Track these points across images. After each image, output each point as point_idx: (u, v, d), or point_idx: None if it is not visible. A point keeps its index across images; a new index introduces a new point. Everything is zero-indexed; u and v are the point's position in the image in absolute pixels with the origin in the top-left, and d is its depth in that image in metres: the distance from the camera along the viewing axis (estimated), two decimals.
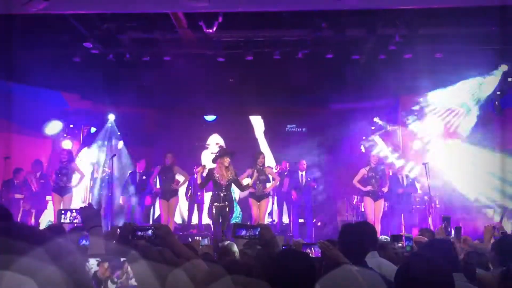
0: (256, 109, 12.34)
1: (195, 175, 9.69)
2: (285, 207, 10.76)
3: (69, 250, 0.79)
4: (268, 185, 8.83)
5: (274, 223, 10.79)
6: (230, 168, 7.70)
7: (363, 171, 9.02)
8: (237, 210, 11.27)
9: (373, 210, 8.90)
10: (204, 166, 7.95)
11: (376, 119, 11.23)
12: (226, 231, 7.39)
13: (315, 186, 10.22)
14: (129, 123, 11.53)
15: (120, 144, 11.47)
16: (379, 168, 9.05)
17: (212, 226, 7.84)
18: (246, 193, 9.60)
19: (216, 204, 7.67)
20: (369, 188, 8.96)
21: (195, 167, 9.48)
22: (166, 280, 1.96)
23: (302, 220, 10.45)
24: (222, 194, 7.67)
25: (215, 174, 7.72)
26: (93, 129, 11.34)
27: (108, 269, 3.36)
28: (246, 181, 8.63)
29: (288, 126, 12.45)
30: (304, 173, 10.20)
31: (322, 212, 10.97)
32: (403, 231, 8.85)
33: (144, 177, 9.88)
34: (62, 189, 8.68)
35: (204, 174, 7.89)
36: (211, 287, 1.96)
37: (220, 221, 7.59)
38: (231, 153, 8.00)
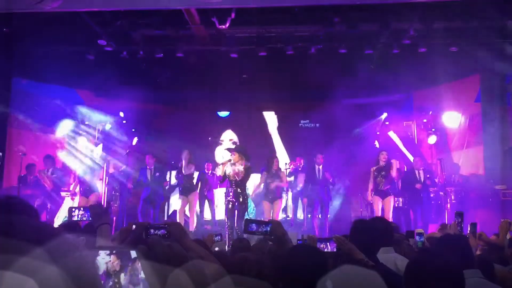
0: (269, 104, 12.34)
1: (206, 171, 9.62)
2: (299, 203, 10.61)
3: (75, 246, 0.80)
4: (276, 182, 9.06)
5: (288, 219, 10.77)
6: (237, 164, 7.67)
7: (372, 170, 9.19)
8: (251, 205, 10.85)
9: (382, 208, 9.01)
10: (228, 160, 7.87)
11: (383, 116, 11.19)
12: (237, 228, 7.47)
13: (331, 180, 10.04)
14: (143, 120, 11.61)
15: (135, 140, 11.54)
16: (386, 165, 9.14)
17: (226, 222, 7.80)
18: (260, 192, 9.81)
19: (228, 199, 7.74)
20: (376, 185, 9.11)
21: (206, 163, 9.48)
22: (167, 281, 1.98)
23: (320, 216, 10.34)
24: (232, 190, 7.70)
25: (226, 171, 7.79)
26: (108, 126, 11.32)
27: (118, 262, 3.44)
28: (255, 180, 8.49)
29: (302, 121, 12.44)
30: (321, 167, 10.06)
31: (336, 208, 10.88)
32: (419, 227, 8.75)
33: (157, 174, 9.84)
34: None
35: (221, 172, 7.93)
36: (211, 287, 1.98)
37: (235, 218, 7.63)
38: (235, 149, 8.00)
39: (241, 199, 7.61)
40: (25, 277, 0.75)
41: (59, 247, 0.78)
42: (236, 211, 7.58)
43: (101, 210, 2.77)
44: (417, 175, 9.56)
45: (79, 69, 9.70)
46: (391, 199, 9.11)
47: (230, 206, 7.63)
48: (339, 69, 9.99)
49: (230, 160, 7.62)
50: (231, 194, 7.67)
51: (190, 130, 11.70)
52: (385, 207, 9.03)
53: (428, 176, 9.52)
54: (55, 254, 0.78)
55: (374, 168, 9.16)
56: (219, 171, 7.86)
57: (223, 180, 7.83)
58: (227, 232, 7.44)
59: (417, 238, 4.00)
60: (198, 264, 2.14)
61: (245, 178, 7.67)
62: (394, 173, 9.17)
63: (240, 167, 7.57)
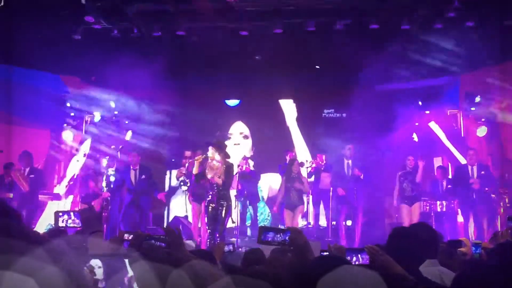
0: (287, 91, 12.26)
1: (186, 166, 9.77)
2: (322, 208, 10.63)
3: (62, 253, 0.82)
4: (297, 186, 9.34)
5: (310, 226, 10.86)
6: (214, 162, 7.82)
7: (397, 176, 9.51)
8: (265, 211, 11.42)
9: (409, 217, 9.22)
10: (204, 156, 8.01)
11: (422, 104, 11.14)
12: (221, 235, 7.72)
13: (361, 176, 10.02)
14: (138, 110, 11.64)
15: (129, 135, 11.63)
16: (413, 171, 9.37)
17: (207, 228, 8.04)
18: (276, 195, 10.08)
19: (209, 201, 7.90)
20: (402, 191, 9.38)
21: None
22: (167, 281, 2.15)
23: (350, 223, 10.42)
24: (213, 192, 7.84)
25: (206, 170, 7.89)
26: (97, 117, 11.42)
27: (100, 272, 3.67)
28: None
29: (325, 111, 12.37)
30: (350, 162, 10.04)
31: (367, 213, 10.72)
32: (470, 236, 8.87)
33: (143, 176, 9.90)
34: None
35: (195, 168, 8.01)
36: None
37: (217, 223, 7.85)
38: (213, 144, 8.05)
39: (223, 203, 7.80)
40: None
41: (47, 254, 0.80)
42: (217, 216, 7.78)
43: (93, 215, 2.77)
44: (470, 172, 9.45)
45: (64, 52, 9.69)
46: (419, 205, 9.39)
47: (210, 209, 7.81)
48: (370, 48, 9.88)
49: (205, 156, 7.80)
50: (210, 196, 7.86)
51: (193, 121, 11.75)
52: (413, 215, 9.25)
53: (482, 173, 9.39)
54: (41, 263, 0.80)
55: (400, 173, 9.43)
56: (194, 169, 7.96)
57: (198, 179, 7.97)
58: (207, 239, 7.77)
59: (473, 249, 4.02)
60: (199, 264, 2.26)
61: (228, 179, 7.82)
62: (419, 178, 9.39)
63: (216, 164, 7.71)
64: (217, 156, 7.77)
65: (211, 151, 7.76)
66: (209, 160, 7.79)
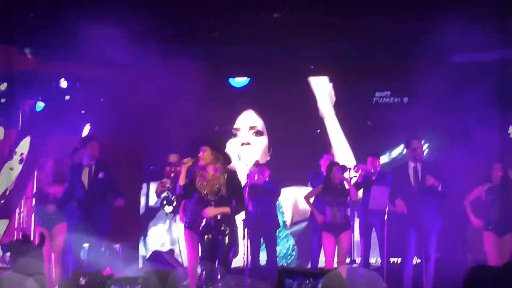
0: (319, 65, 11.47)
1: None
2: (374, 237, 10.10)
3: None
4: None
5: (355, 265, 10.24)
6: (210, 168, 7.06)
7: (479, 191, 8.66)
8: (289, 243, 11.11)
9: (497, 251, 8.58)
10: (195, 159, 7.24)
11: None
12: (223, 277, 7.01)
13: (439, 187, 8.98)
14: (100, 94, 11.09)
15: (86, 130, 11.14)
16: (505, 184, 8.74)
17: (200, 267, 7.48)
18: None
19: (206, 234, 7.15)
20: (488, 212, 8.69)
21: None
22: None
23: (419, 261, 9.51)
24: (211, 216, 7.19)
25: (197, 182, 7.14)
26: (40, 105, 10.78)
27: None
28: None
29: (377, 94, 11.62)
30: (419, 165, 9.00)
31: (444, 244, 9.80)
32: None
33: (100, 175, 9.01)
34: None
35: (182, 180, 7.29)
36: None
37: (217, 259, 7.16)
38: (216, 140, 7.57)
39: (225, 229, 7.03)
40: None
41: None
42: (218, 248, 7.02)
43: (29, 248, 3.47)
44: None
45: None
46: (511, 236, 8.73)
47: (206, 240, 7.09)
48: (441, 2, 9.39)
49: (195, 160, 7.10)
50: (205, 220, 7.18)
51: (181, 111, 11.02)
52: (503, 248, 8.55)
53: None
54: None
55: (487, 187, 8.62)
56: (181, 178, 7.25)
57: (187, 194, 7.34)
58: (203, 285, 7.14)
59: None
60: None
61: (231, 192, 7.06)
62: None
63: (211, 173, 7.06)
64: (214, 160, 7.00)
65: (208, 152, 6.95)
66: (199, 169, 7.06)
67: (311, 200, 9.18)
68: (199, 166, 7.11)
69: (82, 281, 3.19)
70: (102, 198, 9.05)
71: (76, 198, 9.01)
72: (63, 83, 10.80)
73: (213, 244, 7.07)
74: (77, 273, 3.39)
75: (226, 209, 6.99)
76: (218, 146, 7.28)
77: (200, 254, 7.43)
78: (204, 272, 7.17)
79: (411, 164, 8.91)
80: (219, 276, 7.06)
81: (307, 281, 2.94)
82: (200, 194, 7.04)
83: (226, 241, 7.07)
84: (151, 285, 3.04)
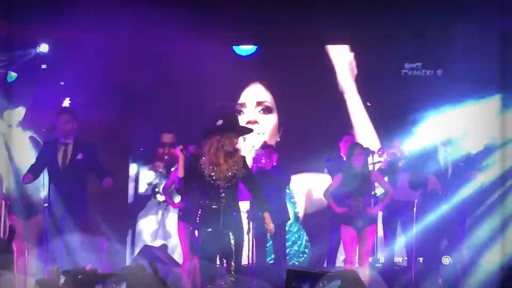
0: (339, 32, 10.86)
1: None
2: (399, 227, 9.70)
3: None
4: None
5: (378, 265, 9.72)
6: (236, 155, 6.77)
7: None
8: (302, 238, 10.86)
9: None
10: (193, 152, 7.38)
11: None
12: (236, 273, 6.65)
13: (477, 175, 9.13)
14: (83, 62, 10.27)
15: (66, 104, 10.40)
16: None
17: (198, 267, 7.16)
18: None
19: (208, 227, 6.74)
20: None
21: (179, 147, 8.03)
22: None
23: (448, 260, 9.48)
24: (219, 205, 6.62)
25: (203, 166, 6.64)
26: (12, 75, 10.16)
27: None
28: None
29: (407, 65, 11.08)
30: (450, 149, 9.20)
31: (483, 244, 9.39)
32: None
33: (80, 156, 8.40)
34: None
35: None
36: None
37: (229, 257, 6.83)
38: (244, 129, 7.34)
39: (235, 222, 6.75)
40: None
41: None
42: (222, 249, 6.71)
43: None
44: None
45: None
46: None
47: (209, 237, 6.74)
48: None
49: (229, 151, 6.73)
50: (213, 213, 6.84)
51: (178, 84, 10.97)
52: None
53: None
54: None
55: None
56: (180, 169, 7.27)
57: (188, 188, 7.13)
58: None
59: None
60: None
61: (238, 176, 6.88)
62: None
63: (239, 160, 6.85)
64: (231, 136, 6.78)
65: (236, 139, 6.80)
66: (229, 151, 6.67)
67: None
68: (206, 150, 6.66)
69: (62, 278, 3.09)
70: (79, 182, 8.41)
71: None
72: (45, 46, 10.17)
73: (215, 238, 6.58)
74: (56, 270, 3.29)
75: (268, 214, 6.67)
76: (232, 121, 7.03)
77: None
78: (202, 272, 6.95)
79: (441, 149, 9.11)
80: (226, 277, 6.61)
81: (321, 282, 2.88)
82: (204, 178, 6.53)
83: (233, 235, 6.67)
84: (134, 281, 2.90)
